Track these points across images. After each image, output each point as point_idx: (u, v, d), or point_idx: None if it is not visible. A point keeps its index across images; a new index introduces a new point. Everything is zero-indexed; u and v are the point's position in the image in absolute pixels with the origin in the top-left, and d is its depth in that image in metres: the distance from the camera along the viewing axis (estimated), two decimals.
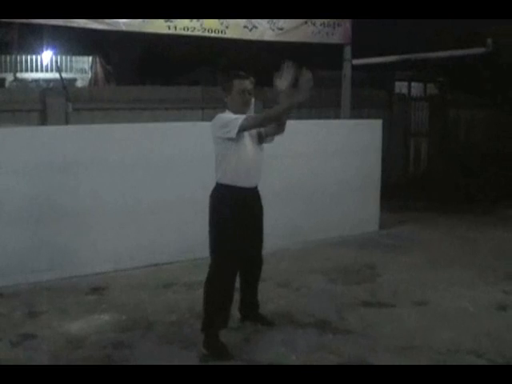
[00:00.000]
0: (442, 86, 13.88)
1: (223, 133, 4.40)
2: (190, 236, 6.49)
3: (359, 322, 5.09)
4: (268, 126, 4.65)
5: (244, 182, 4.53)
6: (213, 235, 4.55)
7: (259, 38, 8.09)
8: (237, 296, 4.87)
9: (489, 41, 9.08)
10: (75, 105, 7.86)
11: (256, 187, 4.68)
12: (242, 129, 4.37)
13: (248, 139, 4.53)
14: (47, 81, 17.50)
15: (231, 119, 4.41)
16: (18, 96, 8.06)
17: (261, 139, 4.67)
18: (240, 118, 4.37)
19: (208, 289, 4.56)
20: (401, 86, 15.14)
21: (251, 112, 4.76)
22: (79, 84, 18.29)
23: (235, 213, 4.49)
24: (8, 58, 18.77)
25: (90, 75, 18.75)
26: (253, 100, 4.71)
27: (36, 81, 18.08)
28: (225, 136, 4.40)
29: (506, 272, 6.44)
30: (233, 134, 4.35)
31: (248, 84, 4.54)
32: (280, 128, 4.71)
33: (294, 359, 4.37)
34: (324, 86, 10.13)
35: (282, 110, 4.43)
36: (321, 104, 9.87)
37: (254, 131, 4.59)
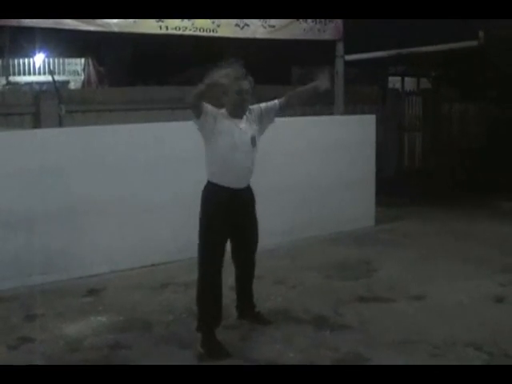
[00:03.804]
0: (435, 81, 13.86)
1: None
2: (185, 235, 6.43)
3: (356, 317, 5.10)
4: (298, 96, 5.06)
5: (230, 183, 4.54)
6: (199, 231, 4.59)
7: (251, 36, 8.06)
8: (234, 294, 4.88)
9: (480, 34, 9.04)
10: (68, 107, 7.84)
11: (245, 188, 4.65)
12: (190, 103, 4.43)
13: (237, 140, 4.50)
14: (40, 84, 17.43)
15: None
16: (11, 99, 8.03)
17: (254, 141, 4.62)
18: None
19: (197, 286, 4.59)
20: (394, 81, 15.10)
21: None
22: (72, 86, 18.24)
23: (219, 211, 4.51)
24: (0, 61, 18.72)
25: (82, 77, 18.70)
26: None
27: (29, 84, 18.04)
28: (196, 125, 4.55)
29: (502, 264, 6.46)
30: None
31: (245, 84, 4.53)
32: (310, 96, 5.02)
33: (291, 356, 4.38)
34: None
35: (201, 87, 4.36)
36: (314, 101, 9.83)
37: (248, 133, 4.56)
